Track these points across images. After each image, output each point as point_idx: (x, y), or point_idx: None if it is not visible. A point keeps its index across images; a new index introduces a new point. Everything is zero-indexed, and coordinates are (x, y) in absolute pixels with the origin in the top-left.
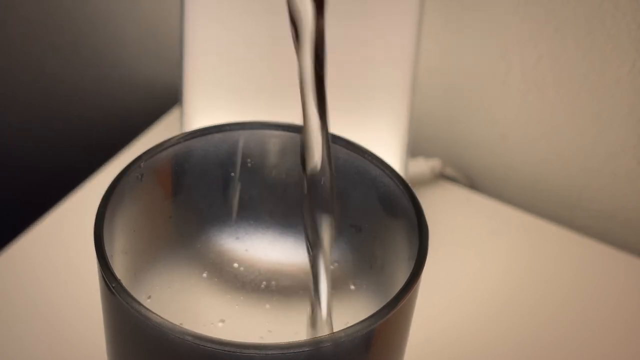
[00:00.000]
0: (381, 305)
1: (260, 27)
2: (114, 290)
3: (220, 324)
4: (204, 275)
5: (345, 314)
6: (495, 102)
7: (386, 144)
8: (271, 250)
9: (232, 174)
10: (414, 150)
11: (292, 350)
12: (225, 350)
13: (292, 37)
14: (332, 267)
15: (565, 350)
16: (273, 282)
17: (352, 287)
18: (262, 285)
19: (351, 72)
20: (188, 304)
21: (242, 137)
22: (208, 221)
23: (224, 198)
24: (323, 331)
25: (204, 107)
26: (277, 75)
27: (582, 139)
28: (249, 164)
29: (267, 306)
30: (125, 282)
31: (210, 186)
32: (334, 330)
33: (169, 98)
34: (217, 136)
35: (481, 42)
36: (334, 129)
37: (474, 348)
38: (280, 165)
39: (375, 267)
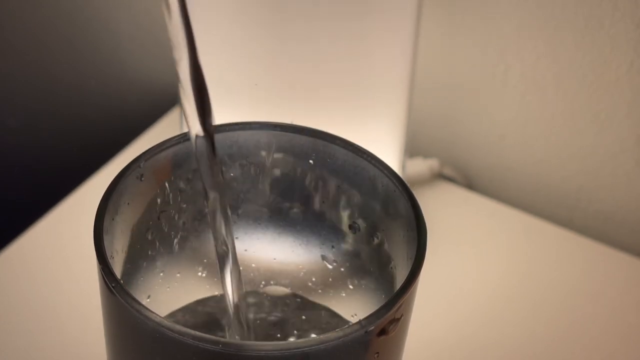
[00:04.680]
0: (379, 305)
1: (260, 28)
2: (114, 290)
3: None
4: (204, 275)
5: (343, 313)
6: (493, 102)
7: (384, 143)
8: (270, 250)
9: (232, 174)
10: (412, 150)
11: (290, 350)
12: (224, 350)
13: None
14: (330, 266)
15: (563, 350)
16: (272, 282)
17: (351, 286)
18: (261, 285)
19: (349, 72)
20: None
21: (241, 137)
22: (208, 221)
23: None
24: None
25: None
26: (277, 76)
27: (581, 139)
28: (249, 164)
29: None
30: (125, 282)
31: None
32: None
33: (169, 98)
34: (217, 136)
35: (480, 42)
36: (333, 129)
37: (473, 348)
38: (280, 165)
39: (373, 267)
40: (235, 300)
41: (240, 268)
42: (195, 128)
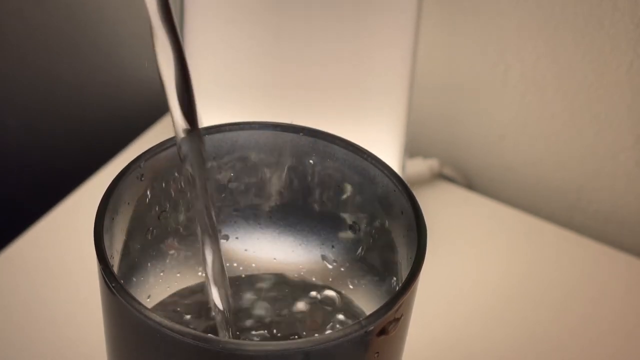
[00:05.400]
0: (379, 305)
1: (260, 28)
2: (114, 290)
3: None
4: (204, 274)
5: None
6: (493, 102)
7: (384, 144)
8: (270, 250)
9: (232, 173)
10: (412, 150)
11: (290, 350)
12: (224, 350)
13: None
14: (330, 266)
15: (563, 350)
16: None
17: (351, 286)
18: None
19: (350, 72)
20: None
21: (241, 137)
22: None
23: (223, 198)
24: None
25: (204, 107)
26: (277, 76)
27: (581, 139)
28: (249, 164)
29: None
30: (125, 282)
31: (209, 186)
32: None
33: None
34: (217, 136)
35: (480, 42)
36: (333, 129)
37: (473, 347)
38: (280, 165)
39: (373, 267)
40: (221, 295)
41: (226, 264)
42: (182, 127)
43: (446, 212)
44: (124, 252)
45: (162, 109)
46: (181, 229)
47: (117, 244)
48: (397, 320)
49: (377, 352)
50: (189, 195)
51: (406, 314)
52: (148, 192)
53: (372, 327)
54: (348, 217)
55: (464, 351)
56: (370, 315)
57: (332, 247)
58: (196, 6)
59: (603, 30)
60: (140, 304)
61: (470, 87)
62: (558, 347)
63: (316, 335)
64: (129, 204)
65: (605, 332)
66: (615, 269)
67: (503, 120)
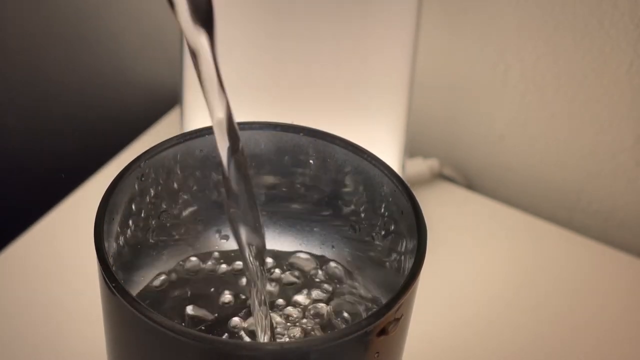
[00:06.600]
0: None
1: (260, 28)
2: (114, 290)
3: None
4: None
5: None
6: (493, 102)
7: (384, 143)
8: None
9: None
10: (412, 150)
11: (290, 350)
12: (224, 350)
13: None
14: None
15: (563, 349)
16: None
17: None
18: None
19: (350, 72)
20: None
21: (242, 137)
22: (208, 221)
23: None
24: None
25: (204, 107)
26: (277, 76)
27: (581, 140)
28: (249, 164)
29: None
30: (125, 282)
31: (210, 186)
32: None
33: (169, 98)
34: None
35: (480, 42)
36: (333, 129)
37: (473, 347)
38: (280, 165)
39: (373, 267)
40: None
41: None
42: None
43: (446, 212)
44: (123, 251)
45: (162, 109)
46: (182, 228)
47: (117, 244)
48: (397, 320)
49: (377, 352)
50: (229, 197)
51: (406, 314)
52: (148, 192)
53: (372, 327)
54: (348, 217)
55: (464, 351)
56: (370, 315)
57: (332, 247)
58: None
59: (603, 30)
60: (140, 304)
61: (470, 87)
62: (558, 347)
63: (316, 334)
64: (129, 204)
65: (605, 332)
66: (615, 269)
67: (503, 120)
